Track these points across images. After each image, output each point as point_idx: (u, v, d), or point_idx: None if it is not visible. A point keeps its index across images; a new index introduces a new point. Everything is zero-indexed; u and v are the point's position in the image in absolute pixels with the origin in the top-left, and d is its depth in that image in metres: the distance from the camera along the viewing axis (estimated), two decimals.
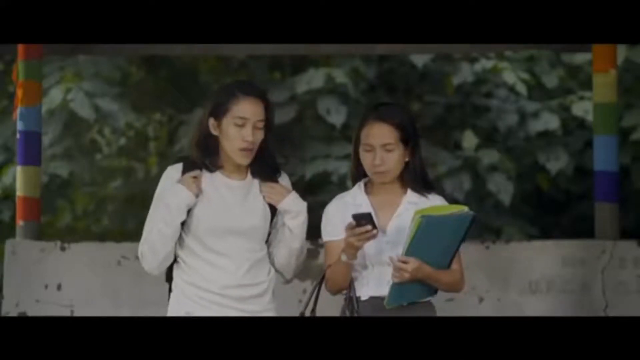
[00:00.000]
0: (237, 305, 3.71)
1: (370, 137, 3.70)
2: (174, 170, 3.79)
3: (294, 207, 3.76)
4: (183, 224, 3.73)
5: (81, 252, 6.10)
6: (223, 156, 3.76)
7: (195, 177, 3.71)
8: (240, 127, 3.69)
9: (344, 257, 3.60)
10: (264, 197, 3.78)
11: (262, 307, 3.75)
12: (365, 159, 3.72)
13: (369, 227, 3.51)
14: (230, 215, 3.72)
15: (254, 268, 3.74)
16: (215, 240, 3.72)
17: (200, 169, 3.76)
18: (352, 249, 3.58)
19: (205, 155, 3.76)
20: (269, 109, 3.76)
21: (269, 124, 3.76)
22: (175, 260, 3.79)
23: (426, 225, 3.51)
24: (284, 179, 3.85)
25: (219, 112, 3.73)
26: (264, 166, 3.79)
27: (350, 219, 3.62)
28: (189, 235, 3.74)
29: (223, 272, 3.71)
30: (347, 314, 3.65)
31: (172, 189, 3.71)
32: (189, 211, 3.72)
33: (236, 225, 3.72)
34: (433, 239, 3.56)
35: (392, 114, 3.72)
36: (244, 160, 3.74)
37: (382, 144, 3.68)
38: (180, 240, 3.76)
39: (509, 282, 6.02)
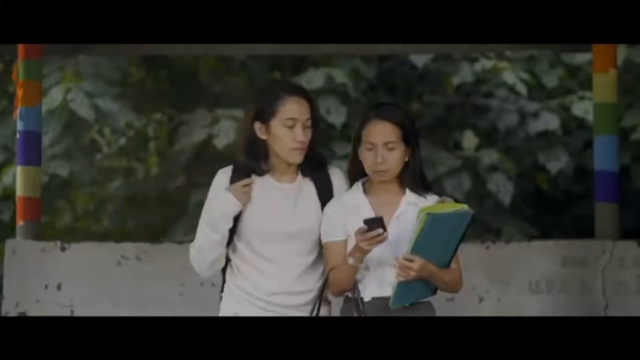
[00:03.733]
0: (284, 311, 3.69)
1: (372, 135, 3.70)
2: (223, 175, 3.75)
3: None
4: (233, 229, 3.70)
5: (81, 252, 6.10)
6: (272, 159, 3.72)
7: (246, 185, 3.68)
8: (290, 128, 3.67)
9: (351, 261, 3.60)
10: (317, 197, 3.74)
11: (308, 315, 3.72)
12: (367, 157, 3.72)
13: (381, 230, 3.52)
14: (280, 220, 3.70)
15: (304, 274, 3.71)
16: (265, 245, 3.69)
17: (249, 174, 3.72)
18: (360, 253, 3.58)
19: (253, 160, 3.71)
20: (313, 106, 3.73)
21: (315, 121, 3.73)
22: (227, 263, 3.78)
23: (432, 223, 3.52)
24: (336, 174, 3.81)
25: (265, 115, 3.68)
26: (314, 164, 3.75)
27: (349, 219, 3.64)
28: (239, 240, 3.72)
29: (272, 278, 3.69)
30: (355, 314, 3.65)
31: (220, 196, 3.68)
32: (239, 216, 3.69)
33: (286, 230, 3.69)
34: (437, 236, 3.57)
35: (394, 113, 3.73)
36: (297, 159, 3.70)
37: (384, 143, 3.69)
38: (232, 244, 3.74)
39: (509, 282, 6.02)
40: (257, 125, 3.70)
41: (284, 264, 3.69)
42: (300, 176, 3.76)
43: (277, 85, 3.77)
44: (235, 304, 3.74)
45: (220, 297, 3.83)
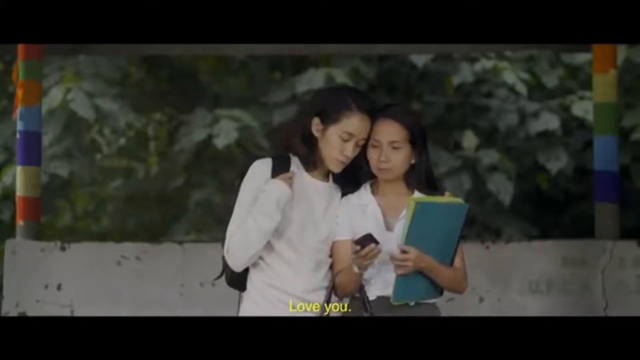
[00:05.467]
0: (312, 309, 3.69)
1: (378, 133, 3.71)
2: (263, 165, 3.71)
3: None
4: None
5: (81, 252, 6.10)
6: (318, 156, 3.72)
7: (290, 178, 3.66)
8: (345, 141, 3.66)
9: (356, 270, 3.61)
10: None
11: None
12: (372, 154, 3.73)
13: (373, 245, 3.53)
14: (316, 216, 3.70)
15: (330, 271, 3.72)
16: (302, 240, 3.69)
17: (289, 165, 3.70)
18: (362, 265, 3.60)
19: (311, 153, 3.70)
20: (372, 129, 3.70)
21: (367, 142, 3.71)
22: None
23: (421, 210, 3.53)
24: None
25: (327, 118, 3.66)
26: (347, 179, 3.76)
27: (355, 218, 3.69)
28: (275, 235, 3.68)
29: (304, 274, 3.68)
30: (364, 314, 3.65)
31: (272, 184, 3.64)
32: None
33: (320, 227, 3.70)
34: (430, 226, 3.57)
35: (402, 114, 3.75)
36: (336, 169, 3.70)
37: (389, 141, 3.70)
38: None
39: (509, 282, 6.02)
40: (315, 121, 3.69)
41: (316, 260, 3.70)
42: (331, 181, 3.77)
43: (353, 95, 3.72)
44: (266, 305, 3.69)
45: (240, 298, 3.79)
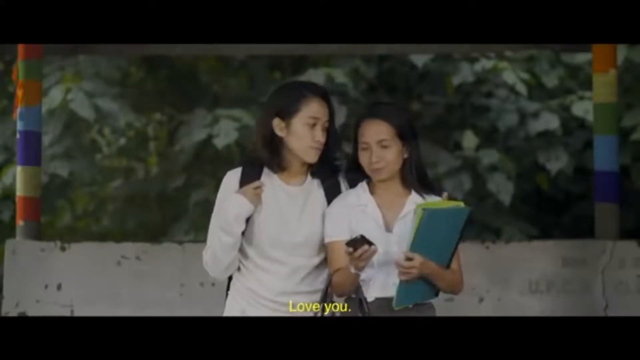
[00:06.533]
0: (289, 311, 3.72)
1: (365, 135, 3.72)
2: (232, 176, 3.77)
3: None
4: (243, 231, 3.72)
5: (81, 252, 6.10)
6: (286, 158, 3.74)
7: (257, 188, 3.69)
8: (312, 126, 3.70)
9: (353, 270, 3.60)
10: (325, 200, 3.76)
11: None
12: (363, 157, 3.73)
13: (366, 246, 3.53)
14: (289, 224, 3.72)
15: (311, 275, 3.75)
16: (274, 248, 3.72)
17: (260, 172, 3.74)
18: (358, 266, 3.59)
19: (272, 157, 3.73)
20: (331, 109, 3.78)
21: (332, 125, 3.77)
22: None
23: (428, 218, 3.53)
24: (343, 180, 3.83)
25: (288, 113, 3.70)
26: (327, 167, 3.78)
27: (354, 218, 3.68)
28: (249, 243, 3.74)
29: (279, 279, 3.72)
30: (360, 314, 3.65)
31: (232, 199, 3.69)
32: (249, 219, 3.70)
33: (295, 234, 3.72)
34: (435, 232, 3.58)
35: (386, 111, 3.74)
36: (313, 158, 3.73)
37: (377, 141, 3.70)
38: (241, 247, 3.75)
39: (509, 282, 6.02)
40: (276, 122, 3.71)
41: (292, 266, 3.72)
42: (309, 178, 3.78)
43: (301, 84, 3.81)
44: (243, 302, 3.76)
45: (226, 295, 3.85)
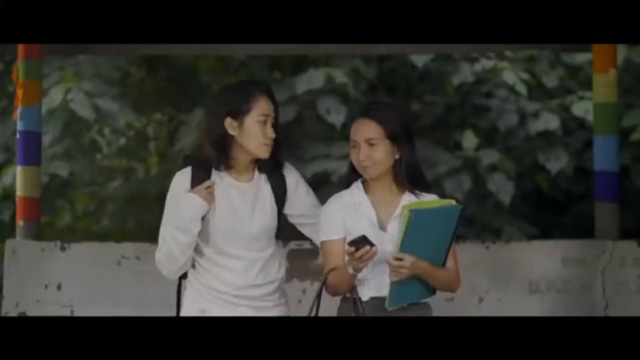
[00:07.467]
0: (250, 302, 3.79)
1: (354, 133, 3.77)
2: (183, 176, 3.84)
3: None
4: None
5: (81, 252, 6.10)
6: (236, 156, 3.80)
7: (208, 187, 3.76)
8: (263, 123, 3.77)
9: (351, 271, 3.60)
10: (272, 194, 3.84)
11: (273, 304, 3.85)
12: (352, 155, 3.78)
13: (368, 247, 3.53)
14: (241, 220, 3.79)
15: (265, 267, 3.82)
16: (228, 244, 3.78)
17: (209, 172, 3.80)
18: (357, 267, 3.59)
19: (221, 156, 3.79)
20: (276, 105, 3.86)
21: (276, 120, 3.85)
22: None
23: (415, 219, 3.53)
24: (289, 171, 3.91)
25: (240, 112, 3.77)
26: (270, 161, 3.84)
27: (349, 217, 3.69)
28: (204, 241, 3.80)
29: (237, 274, 3.79)
30: (354, 314, 3.65)
31: (185, 199, 3.75)
32: (203, 218, 3.76)
33: (248, 229, 3.79)
34: (424, 232, 3.58)
35: (376, 111, 3.77)
36: (266, 154, 3.80)
37: (365, 139, 3.73)
38: (195, 245, 3.80)
39: (509, 282, 6.02)
40: (228, 122, 3.78)
41: (248, 259, 3.79)
42: (257, 174, 3.85)
43: (247, 83, 3.88)
44: (201, 300, 3.82)
45: (177, 298, 3.97)
